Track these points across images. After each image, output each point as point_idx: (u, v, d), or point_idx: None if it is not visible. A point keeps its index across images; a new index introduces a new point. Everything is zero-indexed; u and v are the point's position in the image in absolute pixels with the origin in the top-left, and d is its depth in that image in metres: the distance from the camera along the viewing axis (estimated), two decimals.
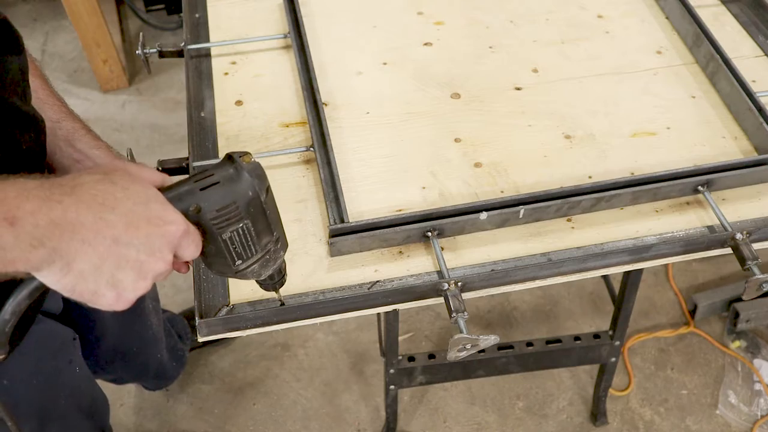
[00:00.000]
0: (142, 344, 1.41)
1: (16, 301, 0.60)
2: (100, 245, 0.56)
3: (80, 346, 1.10)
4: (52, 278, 0.56)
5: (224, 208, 0.61)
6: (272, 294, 0.87)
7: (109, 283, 0.58)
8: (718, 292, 1.94)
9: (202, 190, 0.61)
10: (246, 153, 0.63)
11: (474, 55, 1.19)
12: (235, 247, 0.63)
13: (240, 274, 0.67)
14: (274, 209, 0.66)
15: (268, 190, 0.64)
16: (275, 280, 0.75)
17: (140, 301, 1.33)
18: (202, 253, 0.64)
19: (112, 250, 0.56)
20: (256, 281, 0.75)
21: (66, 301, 1.04)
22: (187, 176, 0.63)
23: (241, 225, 0.62)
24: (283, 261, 0.72)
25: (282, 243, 0.69)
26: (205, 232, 0.62)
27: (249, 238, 0.64)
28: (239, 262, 0.65)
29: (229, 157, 0.63)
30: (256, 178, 0.62)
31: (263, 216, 0.64)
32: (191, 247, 0.61)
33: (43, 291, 0.60)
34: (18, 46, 0.80)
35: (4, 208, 0.51)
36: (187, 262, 0.97)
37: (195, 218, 0.61)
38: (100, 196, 0.56)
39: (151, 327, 1.41)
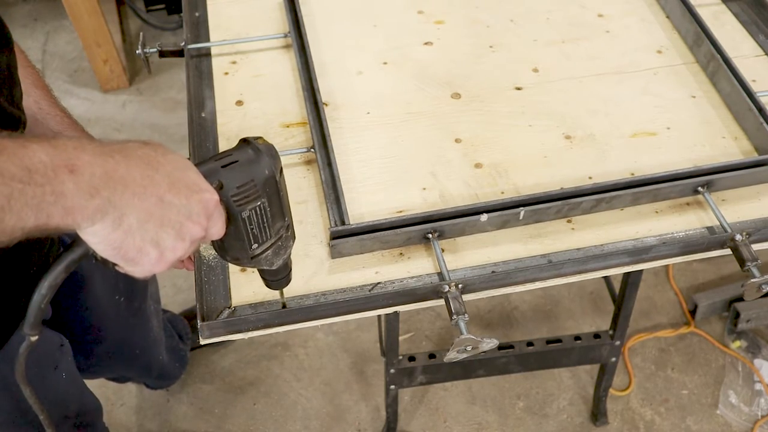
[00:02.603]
0: (145, 346, 1.41)
1: (53, 275, 0.60)
2: (147, 201, 0.57)
3: (72, 350, 1.09)
4: (102, 233, 0.56)
5: (244, 185, 0.63)
6: (273, 295, 0.87)
7: (153, 240, 0.58)
8: (719, 292, 1.94)
9: (223, 167, 0.63)
10: (259, 137, 0.66)
11: (474, 55, 1.19)
12: (252, 228, 0.66)
13: (255, 260, 0.69)
14: (285, 192, 0.68)
15: (281, 171, 0.67)
16: (282, 275, 0.76)
17: (142, 303, 1.33)
18: (222, 236, 0.66)
19: (157, 208, 0.57)
20: (264, 279, 0.77)
21: (57, 306, 1.04)
22: (208, 157, 0.65)
23: (258, 203, 0.65)
24: (290, 257, 0.74)
25: (292, 231, 0.71)
26: (226, 211, 0.64)
27: (265, 219, 0.66)
28: (255, 245, 0.67)
29: (245, 141, 0.66)
30: (272, 158, 0.65)
31: (278, 196, 0.66)
32: (219, 223, 0.63)
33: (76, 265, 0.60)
34: (5, 40, 0.79)
35: (64, 156, 0.52)
36: (192, 259, 0.97)
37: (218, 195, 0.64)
38: (145, 157, 0.58)
39: (152, 328, 1.41)
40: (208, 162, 0.64)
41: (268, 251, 0.69)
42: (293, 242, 0.73)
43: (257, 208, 0.65)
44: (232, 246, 0.67)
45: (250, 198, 0.64)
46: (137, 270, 0.60)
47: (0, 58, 0.78)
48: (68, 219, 0.53)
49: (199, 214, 0.60)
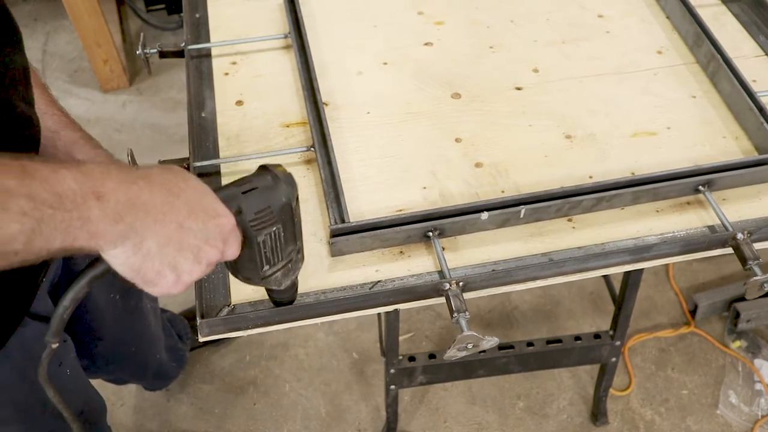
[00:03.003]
0: (141, 344, 1.41)
1: (76, 289, 0.64)
2: (167, 227, 0.59)
3: (74, 347, 1.09)
4: (123, 256, 0.59)
5: (261, 211, 0.66)
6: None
7: (171, 264, 0.61)
8: (719, 292, 1.94)
9: (243, 193, 0.66)
10: (279, 165, 0.69)
11: (474, 55, 1.19)
12: (266, 252, 0.69)
13: (264, 281, 0.72)
14: (299, 218, 0.71)
15: (297, 198, 0.69)
16: (288, 294, 0.80)
17: (138, 301, 1.33)
18: (237, 257, 0.68)
19: (176, 233, 0.60)
20: (270, 297, 0.80)
21: (56, 303, 1.04)
22: (229, 183, 0.68)
23: (274, 229, 0.68)
24: (297, 278, 0.78)
25: (302, 254, 0.74)
26: (242, 234, 0.67)
27: (278, 244, 0.69)
28: (266, 267, 0.70)
29: (265, 168, 0.69)
30: (290, 186, 0.68)
31: (292, 222, 0.69)
32: (234, 245, 0.66)
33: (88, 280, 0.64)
34: (17, 38, 0.79)
35: (92, 183, 0.55)
36: None
37: (236, 220, 0.66)
38: (167, 184, 0.60)
39: (149, 327, 1.41)
40: (229, 187, 0.67)
41: (278, 273, 0.72)
42: (302, 264, 0.75)
43: (272, 233, 0.68)
44: (245, 267, 0.70)
45: (266, 223, 0.67)
46: (155, 290, 0.63)
47: (14, 58, 0.79)
48: (92, 242, 0.56)
49: (215, 238, 0.63)
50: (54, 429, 1.04)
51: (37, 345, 0.97)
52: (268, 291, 0.79)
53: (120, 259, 0.59)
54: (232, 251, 0.66)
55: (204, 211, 0.62)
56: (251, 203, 0.66)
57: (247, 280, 0.72)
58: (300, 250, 0.73)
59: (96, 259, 0.62)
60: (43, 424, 1.02)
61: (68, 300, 0.64)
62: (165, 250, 0.60)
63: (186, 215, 0.60)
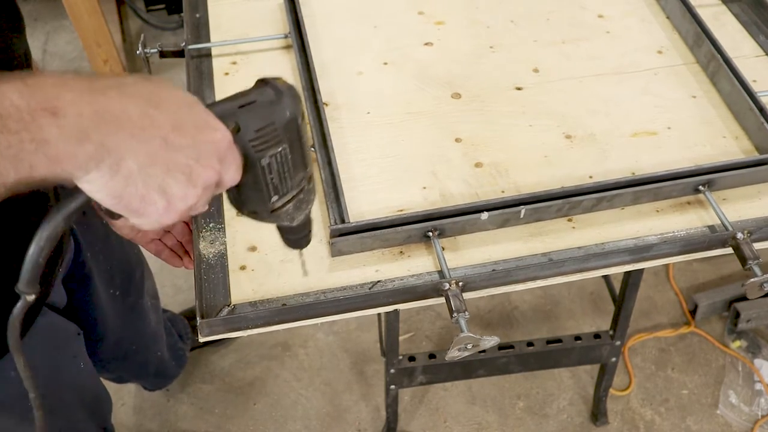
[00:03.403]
0: (142, 342, 1.41)
1: (51, 225, 0.52)
2: (149, 143, 0.50)
3: (84, 341, 1.10)
4: (99, 182, 0.49)
5: (263, 128, 0.58)
6: (275, 293, 0.87)
7: (160, 187, 0.52)
8: (719, 292, 1.94)
9: (240, 107, 0.58)
10: (278, 77, 0.60)
11: (474, 55, 1.19)
12: (272, 178, 0.60)
13: (274, 215, 0.63)
14: (306, 140, 0.62)
15: (303, 115, 0.61)
16: (303, 232, 0.71)
17: (139, 298, 1.33)
18: (238, 185, 0.60)
19: (161, 150, 0.50)
20: (284, 237, 0.72)
21: (70, 296, 1.04)
22: (223, 98, 0.59)
23: (279, 149, 0.59)
24: (310, 214, 0.70)
25: (313, 184, 0.66)
26: (243, 157, 0.58)
27: (286, 168, 0.60)
28: (275, 197, 0.62)
29: (264, 81, 0.60)
30: (294, 99, 0.59)
31: (299, 142, 0.61)
32: (233, 167, 0.56)
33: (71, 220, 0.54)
34: (21, 26, 0.79)
35: (42, 97, 0.45)
36: (191, 258, 0.97)
37: (234, 139, 0.57)
38: (145, 94, 0.51)
39: (150, 325, 1.41)
40: (222, 102, 0.58)
41: (289, 205, 0.63)
42: (314, 196, 0.67)
43: (278, 155, 0.59)
44: (250, 198, 0.61)
45: (270, 143, 0.58)
46: (144, 222, 0.54)
47: (16, 44, 0.77)
48: (56, 168, 0.46)
49: (209, 155, 0.54)
50: (69, 419, 1.05)
51: (55, 335, 0.98)
52: (281, 230, 0.71)
53: (96, 186, 0.49)
54: (231, 174, 0.56)
55: (194, 125, 0.52)
56: (251, 119, 0.57)
57: (255, 214, 0.63)
58: (311, 178, 0.64)
59: (72, 191, 0.52)
60: (59, 415, 1.03)
61: (43, 239, 0.52)
62: (149, 171, 0.50)
63: (171, 129, 0.51)
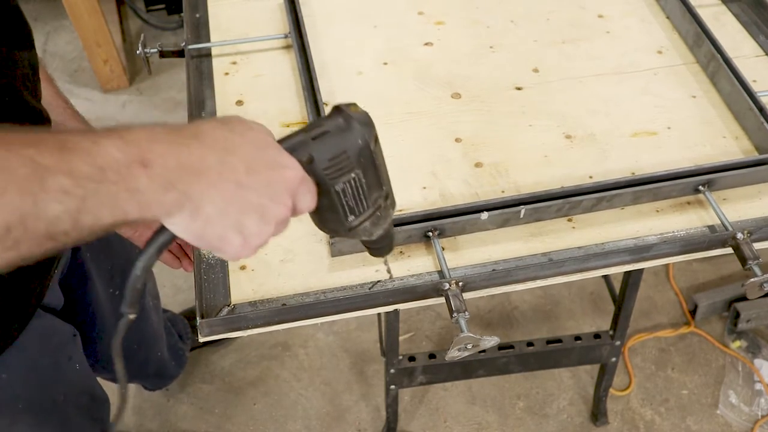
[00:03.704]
0: (142, 341, 1.41)
1: (146, 257, 0.59)
2: (224, 188, 0.55)
3: (81, 342, 1.10)
4: (182, 224, 0.55)
5: (336, 157, 0.61)
6: (275, 293, 0.87)
7: (235, 227, 0.57)
8: (719, 292, 1.94)
9: (313, 139, 0.61)
10: (353, 103, 0.63)
11: (474, 55, 1.19)
12: (347, 200, 0.63)
13: (353, 232, 0.66)
14: (382, 161, 0.65)
15: (376, 139, 0.64)
16: (384, 243, 0.74)
17: (140, 299, 1.33)
18: (316, 208, 0.63)
19: (236, 193, 0.56)
20: (366, 246, 0.75)
21: (67, 297, 1.04)
22: (297, 129, 0.63)
23: (352, 175, 0.62)
24: (392, 224, 0.72)
25: (391, 200, 0.69)
26: (318, 184, 0.62)
27: (360, 191, 0.63)
28: (351, 217, 0.65)
29: (337, 108, 0.63)
30: (366, 126, 0.62)
31: (373, 166, 0.63)
32: (307, 197, 0.61)
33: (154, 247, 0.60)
34: (29, 41, 0.80)
35: (136, 150, 0.51)
36: (190, 260, 0.97)
37: (308, 168, 0.61)
38: (221, 141, 0.56)
39: (151, 324, 1.41)
40: (297, 134, 0.61)
41: (366, 222, 0.66)
42: (393, 210, 0.70)
43: (351, 180, 0.62)
44: (328, 219, 0.65)
45: (343, 170, 0.61)
46: (224, 255, 0.59)
47: (27, 58, 0.79)
48: (145, 213, 0.52)
49: (281, 193, 0.58)
50: (63, 422, 1.05)
51: (50, 337, 0.98)
52: (362, 242, 0.74)
53: (180, 228, 0.55)
54: (306, 204, 0.61)
55: (266, 166, 0.57)
56: (323, 149, 0.60)
57: (334, 232, 0.66)
58: (388, 196, 0.67)
59: (161, 227, 0.59)
60: (52, 417, 1.03)
61: (139, 269, 0.60)
62: (226, 214, 0.55)
63: (245, 172, 0.55)
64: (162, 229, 0.58)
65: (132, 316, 0.62)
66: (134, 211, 0.51)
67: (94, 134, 0.51)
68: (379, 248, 0.75)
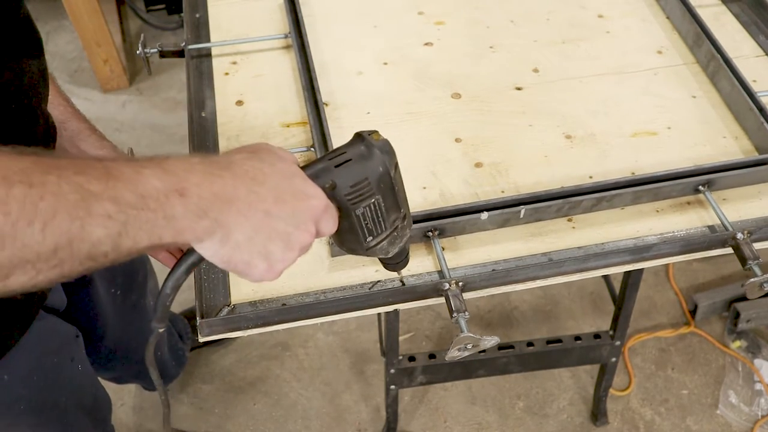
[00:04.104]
0: (143, 341, 1.40)
1: (175, 276, 0.63)
2: (253, 217, 0.59)
3: (83, 343, 1.10)
4: (211, 249, 0.59)
5: (357, 184, 0.64)
6: (275, 293, 0.87)
7: (261, 253, 0.60)
8: (719, 292, 1.94)
9: (336, 167, 0.64)
10: (375, 131, 0.66)
11: (474, 55, 1.19)
12: (367, 223, 0.66)
13: (370, 251, 0.70)
14: (401, 186, 0.68)
15: (396, 166, 0.67)
16: (399, 259, 0.77)
17: (140, 298, 1.33)
18: (337, 230, 0.66)
19: (263, 222, 0.59)
20: (381, 260, 0.78)
21: (69, 297, 1.04)
22: (321, 156, 0.66)
23: (372, 200, 0.65)
24: (408, 241, 0.75)
25: (408, 220, 0.72)
26: (339, 208, 0.65)
27: (379, 214, 0.66)
28: (370, 238, 0.68)
29: (359, 136, 0.66)
30: (386, 154, 0.65)
31: (392, 192, 0.66)
32: (330, 222, 0.64)
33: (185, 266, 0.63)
34: (38, 48, 0.80)
35: (175, 180, 0.55)
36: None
37: (331, 194, 0.64)
38: (251, 172, 0.59)
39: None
40: (321, 161, 0.64)
41: (383, 242, 0.69)
42: (409, 230, 0.73)
43: (371, 205, 0.65)
44: (347, 239, 0.68)
45: (364, 195, 0.64)
46: (249, 279, 0.62)
47: (37, 65, 0.80)
48: (178, 238, 0.56)
49: (306, 222, 0.62)
50: (64, 423, 1.05)
51: (52, 339, 0.98)
52: (379, 259, 0.77)
53: (209, 252, 0.59)
54: (328, 228, 0.65)
55: (293, 195, 0.61)
56: (346, 176, 0.63)
57: (352, 251, 0.70)
58: (405, 217, 0.70)
59: (190, 249, 0.62)
60: (53, 419, 1.03)
61: (169, 288, 0.64)
62: (254, 241, 0.59)
63: (273, 202, 0.59)
64: (191, 250, 0.61)
65: (161, 330, 0.67)
66: (169, 236, 0.55)
67: (136, 163, 0.55)
68: (395, 264, 0.78)
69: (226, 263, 0.60)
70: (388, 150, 0.65)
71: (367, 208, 0.65)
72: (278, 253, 0.61)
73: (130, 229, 0.52)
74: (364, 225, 0.66)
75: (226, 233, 0.58)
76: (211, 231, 0.57)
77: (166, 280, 0.64)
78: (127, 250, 0.53)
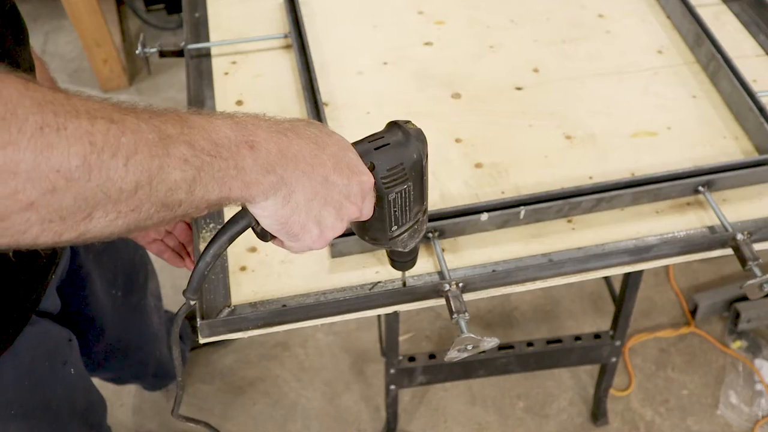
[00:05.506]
0: (142, 341, 1.41)
1: (218, 243, 0.62)
2: (314, 180, 0.59)
3: (78, 345, 1.10)
4: (272, 208, 0.58)
5: (393, 168, 0.64)
6: (275, 294, 0.87)
7: (316, 218, 0.60)
8: (719, 292, 1.94)
9: (376, 149, 0.64)
10: (408, 121, 0.67)
11: (474, 55, 1.19)
12: (395, 210, 0.67)
13: (392, 242, 0.70)
14: (427, 177, 0.69)
15: (427, 156, 0.67)
16: (411, 257, 0.78)
17: (141, 299, 1.33)
18: None
19: (322, 186, 0.59)
20: (391, 260, 0.79)
21: (67, 299, 1.04)
22: (360, 138, 0.66)
23: (405, 187, 0.66)
24: (422, 239, 0.75)
25: (426, 216, 0.73)
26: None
27: (408, 202, 0.67)
28: (395, 227, 0.68)
29: (395, 123, 0.67)
30: (421, 142, 0.66)
31: (422, 181, 0.67)
32: (370, 204, 0.65)
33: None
34: (25, 37, 0.80)
35: (245, 132, 0.55)
36: (192, 258, 0.97)
37: None
38: (313, 137, 0.60)
39: (151, 325, 1.41)
40: (362, 143, 0.65)
41: (405, 234, 0.70)
42: (426, 227, 0.74)
43: (403, 191, 0.66)
44: (373, 227, 0.68)
45: (398, 180, 0.65)
46: (296, 246, 0.62)
47: (24, 57, 0.79)
48: (246, 193, 0.55)
49: (357, 194, 0.62)
50: (56, 427, 1.04)
51: (44, 343, 0.98)
52: (391, 255, 0.78)
53: (269, 211, 0.58)
54: (368, 210, 0.65)
55: (348, 167, 0.61)
56: (384, 159, 0.64)
57: (374, 240, 0.70)
58: (425, 211, 0.71)
59: (237, 214, 0.61)
60: (45, 423, 1.02)
61: (210, 256, 0.62)
62: (311, 204, 0.59)
63: (332, 169, 0.60)
64: (237, 217, 0.61)
65: (193, 302, 0.65)
66: (238, 188, 0.54)
67: (208, 113, 0.55)
68: (405, 262, 0.78)
69: (282, 224, 0.59)
70: (422, 139, 0.66)
71: (398, 195, 0.66)
72: (330, 220, 0.61)
73: (203, 176, 0.51)
74: (392, 212, 0.67)
75: (289, 192, 0.57)
76: (277, 187, 0.56)
77: (207, 248, 0.62)
78: (198, 201, 0.52)
